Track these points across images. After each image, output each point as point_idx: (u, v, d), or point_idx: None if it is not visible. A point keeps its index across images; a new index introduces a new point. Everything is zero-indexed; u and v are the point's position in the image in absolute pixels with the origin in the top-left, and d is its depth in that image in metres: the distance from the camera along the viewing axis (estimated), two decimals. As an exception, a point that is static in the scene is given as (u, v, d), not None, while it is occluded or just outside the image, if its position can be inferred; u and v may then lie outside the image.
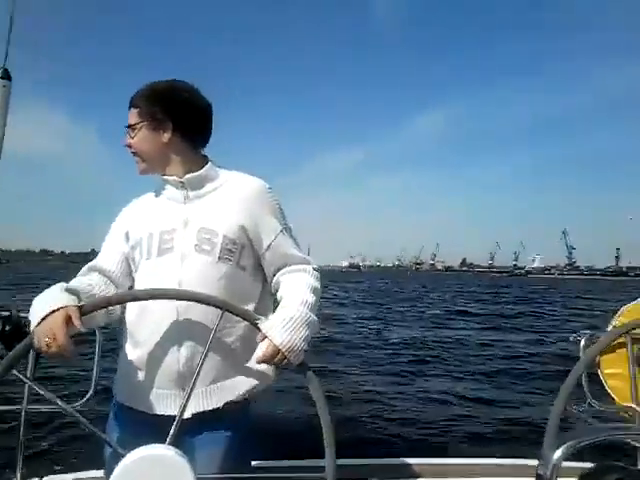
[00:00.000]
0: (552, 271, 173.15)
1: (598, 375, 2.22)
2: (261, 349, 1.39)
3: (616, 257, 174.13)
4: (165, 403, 1.50)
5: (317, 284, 1.60)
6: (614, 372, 2.19)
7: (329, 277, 76.30)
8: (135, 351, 1.54)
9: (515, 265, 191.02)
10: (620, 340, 2.23)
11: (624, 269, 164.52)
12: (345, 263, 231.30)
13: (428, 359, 9.57)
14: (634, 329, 1.89)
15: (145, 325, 1.52)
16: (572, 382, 1.47)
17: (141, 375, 1.53)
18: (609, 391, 2.23)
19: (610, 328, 2.34)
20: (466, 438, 5.19)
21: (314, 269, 1.64)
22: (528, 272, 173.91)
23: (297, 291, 1.53)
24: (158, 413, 1.49)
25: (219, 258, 1.53)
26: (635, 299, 2.46)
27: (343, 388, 7.03)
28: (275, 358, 1.37)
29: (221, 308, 1.34)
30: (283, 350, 1.36)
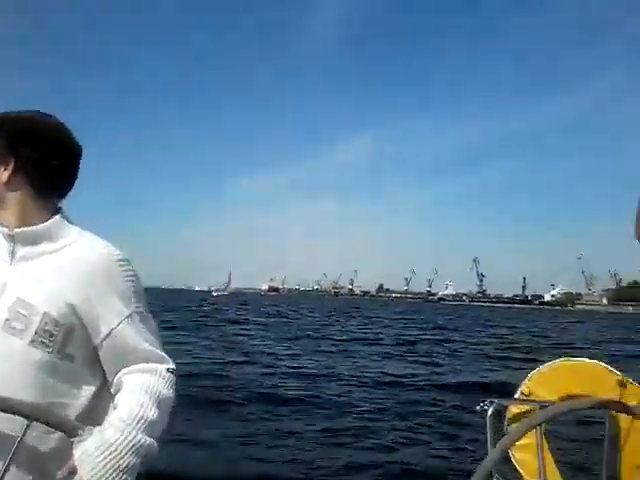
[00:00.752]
0: (463, 298, 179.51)
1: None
2: None
3: (523, 286, 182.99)
4: None
5: (167, 391, 1.25)
6: (522, 444, 1.98)
7: (250, 301, 75.49)
8: None
9: (429, 291, 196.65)
10: (528, 408, 2.22)
11: (529, 297, 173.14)
12: (265, 286, 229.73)
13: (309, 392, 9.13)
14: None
15: None
16: None
17: None
18: (516, 465, 2.14)
19: (518, 394, 2.35)
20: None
21: (168, 370, 1.28)
22: (441, 298, 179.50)
23: (132, 403, 1.19)
24: None
25: (32, 341, 1.19)
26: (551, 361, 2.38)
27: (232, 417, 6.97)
28: None
29: (28, 418, 1.06)
30: None
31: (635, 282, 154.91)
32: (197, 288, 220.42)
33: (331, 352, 15.81)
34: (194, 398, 7.94)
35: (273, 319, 33.28)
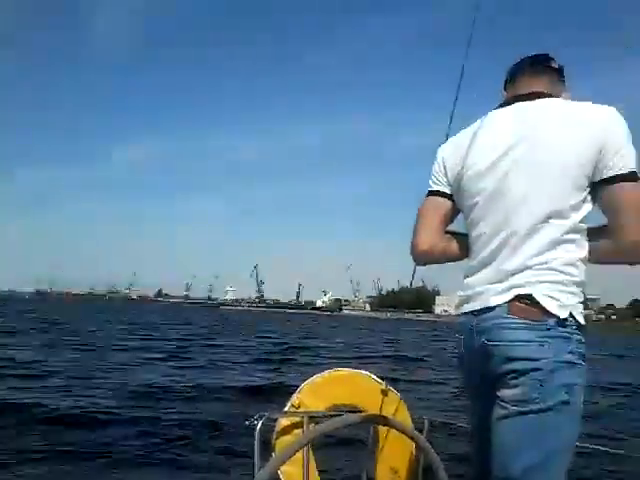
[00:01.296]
0: (243, 303, 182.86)
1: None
2: None
3: (297, 292, 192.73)
4: None
5: None
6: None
7: (10, 305, 67.37)
8: None
9: (209, 297, 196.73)
10: (297, 420, 2.26)
11: (303, 303, 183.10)
12: (31, 289, 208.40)
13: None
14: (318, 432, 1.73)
15: None
16: None
17: None
18: (281, 478, 2.13)
19: (289, 406, 2.36)
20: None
21: None
22: (221, 304, 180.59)
23: None
24: None
25: None
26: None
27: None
28: None
29: None
30: None
31: (393, 290, 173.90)
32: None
33: (90, 360, 14.86)
34: None
35: (33, 325, 30.25)
